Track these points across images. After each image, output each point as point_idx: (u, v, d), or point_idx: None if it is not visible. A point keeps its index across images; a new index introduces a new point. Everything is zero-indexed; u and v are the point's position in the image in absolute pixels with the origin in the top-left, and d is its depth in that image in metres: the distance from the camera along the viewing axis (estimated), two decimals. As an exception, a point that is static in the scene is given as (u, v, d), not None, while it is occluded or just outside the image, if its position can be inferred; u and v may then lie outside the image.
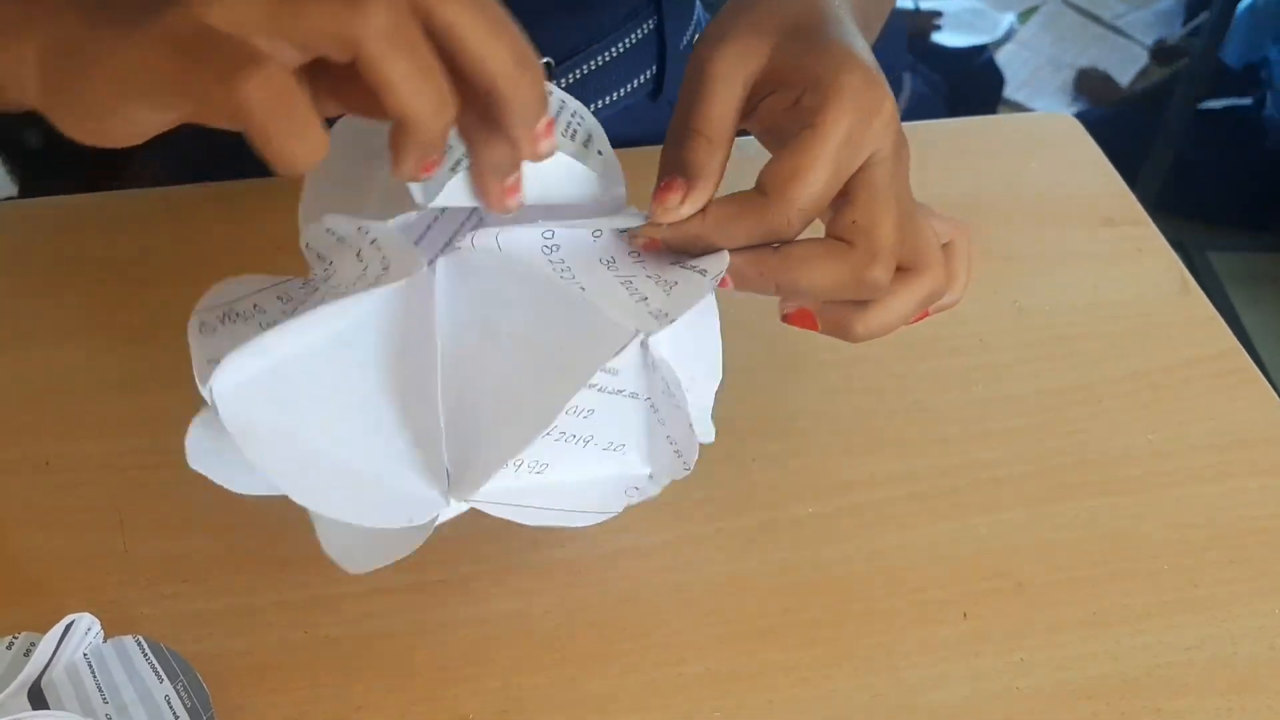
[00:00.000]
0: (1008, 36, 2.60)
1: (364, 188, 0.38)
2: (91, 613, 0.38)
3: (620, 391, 0.37)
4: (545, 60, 0.58)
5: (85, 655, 0.38)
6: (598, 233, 0.36)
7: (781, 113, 0.36)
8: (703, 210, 0.36)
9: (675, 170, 0.36)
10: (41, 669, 0.37)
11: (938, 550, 0.44)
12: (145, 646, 0.39)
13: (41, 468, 0.45)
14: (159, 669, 0.38)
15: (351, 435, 0.36)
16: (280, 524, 0.44)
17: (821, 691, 0.40)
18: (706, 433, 0.41)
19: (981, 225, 0.57)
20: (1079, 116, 2.09)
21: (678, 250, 0.37)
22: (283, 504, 0.44)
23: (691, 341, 0.38)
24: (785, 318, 0.39)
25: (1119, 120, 2.20)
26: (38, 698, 0.37)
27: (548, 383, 0.35)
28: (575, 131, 0.37)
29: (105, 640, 0.39)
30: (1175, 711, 0.39)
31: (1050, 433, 0.48)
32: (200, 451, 0.36)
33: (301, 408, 0.35)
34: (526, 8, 0.59)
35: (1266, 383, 0.50)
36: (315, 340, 0.34)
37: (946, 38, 2.35)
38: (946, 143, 0.62)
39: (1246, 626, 0.42)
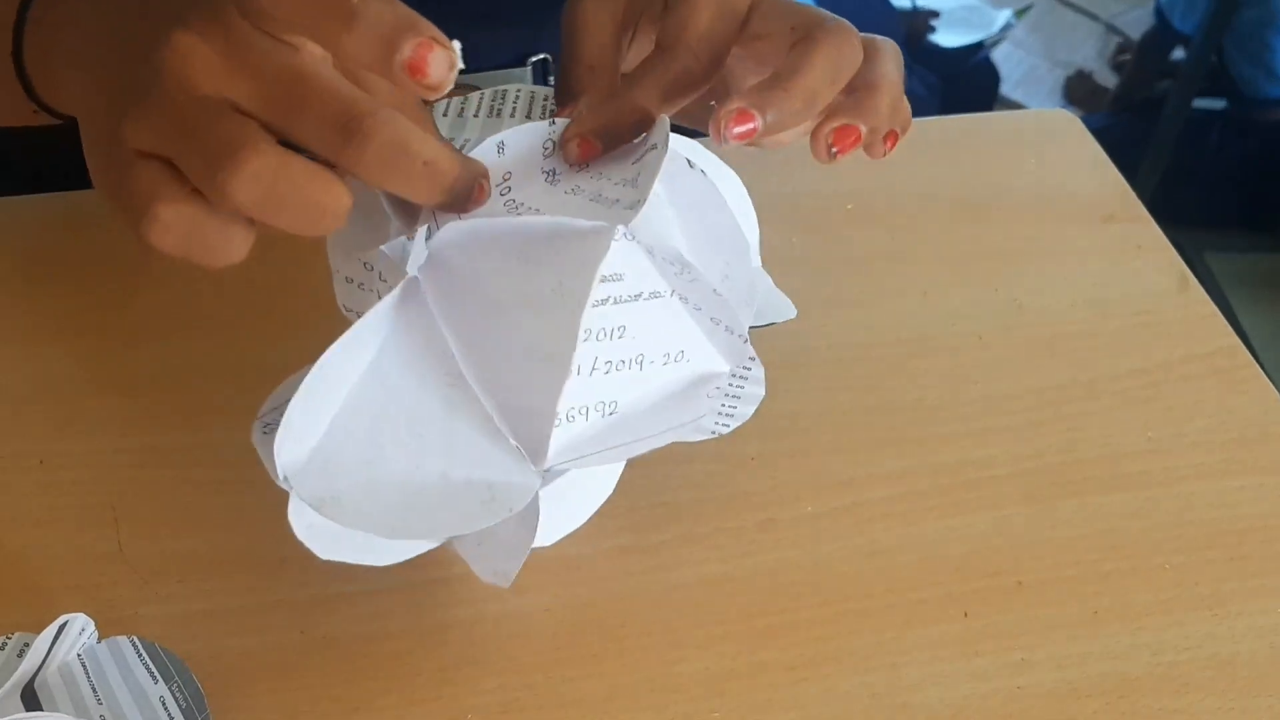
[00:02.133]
0: (1004, 33, 2.60)
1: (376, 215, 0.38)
2: (86, 613, 0.38)
3: (638, 295, 0.35)
4: (542, 56, 0.58)
5: (79, 656, 0.38)
6: (547, 146, 0.36)
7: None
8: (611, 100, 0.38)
9: (567, 98, 0.39)
10: (35, 670, 0.37)
11: (937, 548, 0.44)
12: (140, 647, 0.38)
13: (35, 467, 0.45)
14: (154, 670, 0.38)
15: (423, 455, 0.36)
16: (277, 523, 0.43)
17: (820, 690, 0.39)
18: (785, 308, 0.42)
19: (981, 222, 0.57)
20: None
21: (612, 136, 0.37)
22: (278, 500, 0.44)
23: (704, 233, 0.37)
24: (833, 140, 0.38)
25: (1113, 124, 2.20)
26: (31, 699, 0.37)
27: (557, 323, 0.34)
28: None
29: (100, 641, 0.38)
30: (1175, 710, 0.39)
31: (1050, 430, 0.48)
32: (325, 543, 0.36)
33: (368, 453, 0.35)
34: (535, 6, 0.59)
35: (1266, 379, 0.50)
36: (349, 386, 0.35)
37: (942, 37, 2.35)
38: (945, 140, 0.62)
39: (1247, 625, 0.42)
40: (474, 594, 0.42)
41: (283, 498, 0.44)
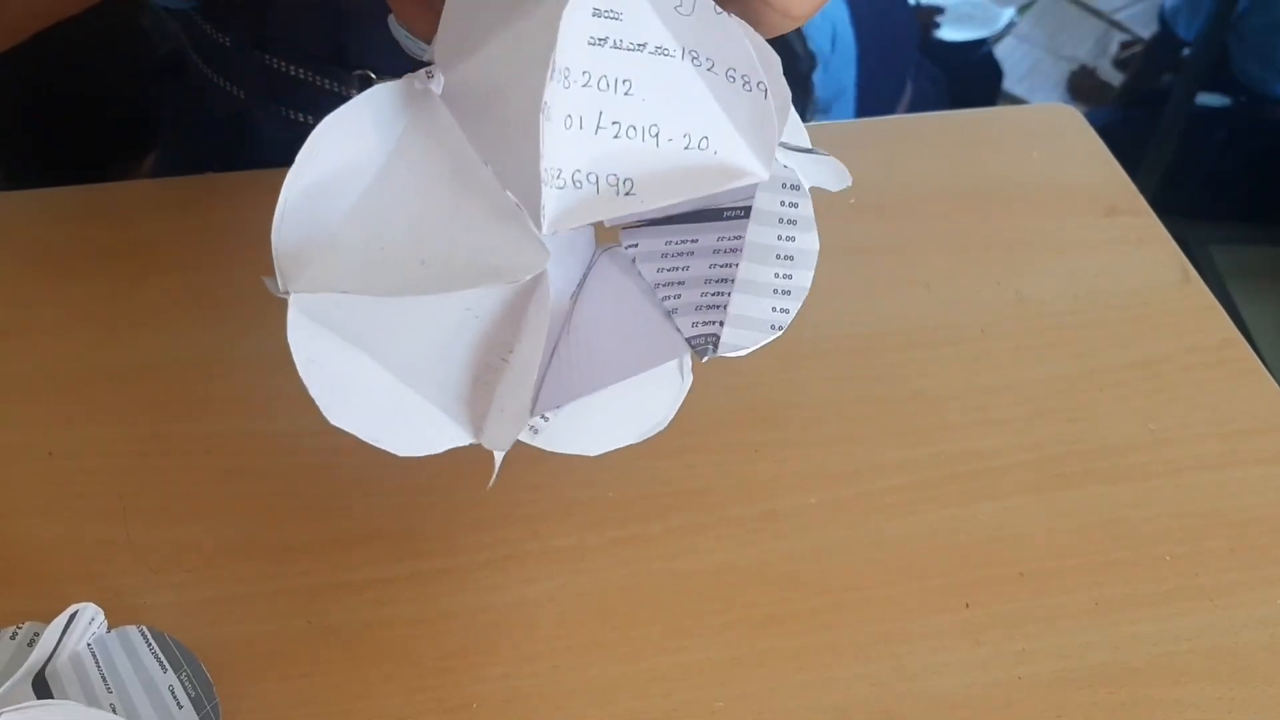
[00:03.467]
0: (1007, 30, 2.60)
1: None
2: (95, 602, 0.38)
3: (642, 46, 0.31)
4: None
5: (89, 645, 0.38)
6: None
7: None
8: None
9: None
10: (45, 659, 0.37)
11: (939, 539, 0.44)
12: (149, 636, 0.39)
13: (44, 457, 0.45)
14: (163, 659, 0.38)
15: (427, 239, 0.33)
16: (283, 511, 0.44)
17: (823, 679, 0.40)
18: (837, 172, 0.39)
19: (984, 215, 0.57)
20: (1078, 111, 2.06)
21: None
22: (284, 489, 0.44)
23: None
24: None
25: (1118, 119, 2.20)
26: (42, 688, 0.37)
27: (545, 51, 0.30)
28: None
29: (109, 630, 0.39)
30: (1176, 700, 0.39)
31: (1052, 421, 0.48)
32: (333, 401, 0.35)
33: (371, 246, 0.33)
34: None
35: (1266, 372, 0.50)
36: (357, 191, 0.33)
37: (947, 32, 2.34)
38: (948, 134, 0.62)
39: (1248, 615, 0.42)
40: (478, 583, 0.42)
41: (288, 487, 0.45)
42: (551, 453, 0.39)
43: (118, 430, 0.46)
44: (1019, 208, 0.58)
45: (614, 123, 0.31)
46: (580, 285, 0.39)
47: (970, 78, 2.33)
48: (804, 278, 0.37)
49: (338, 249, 0.32)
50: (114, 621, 0.39)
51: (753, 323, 0.37)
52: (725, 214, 0.38)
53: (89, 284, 0.52)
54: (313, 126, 0.31)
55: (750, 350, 0.36)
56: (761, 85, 0.32)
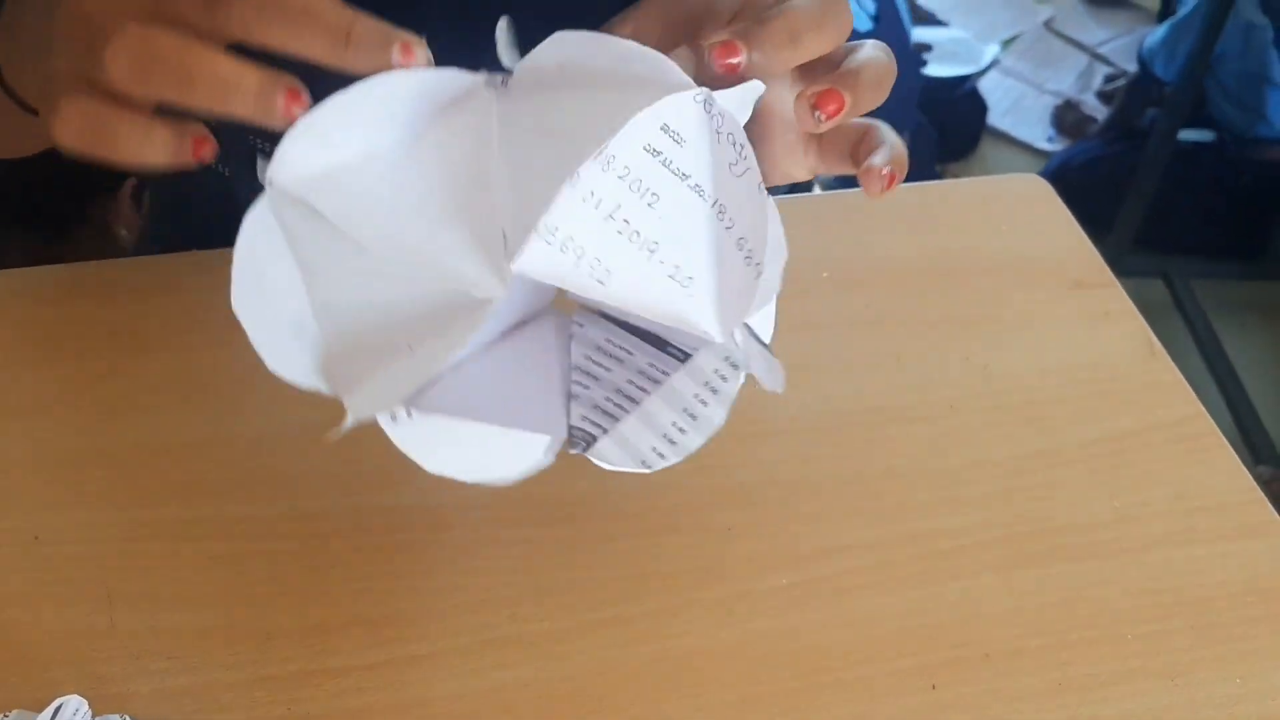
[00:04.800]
0: (991, 65, 2.63)
1: None
2: (79, 688, 0.39)
3: (686, 177, 0.34)
4: None
5: (73, 736, 0.39)
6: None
7: None
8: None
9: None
10: (30, 751, 0.38)
11: (908, 619, 0.45)
12: (131, 726, 0.40)
13: (30, 541, 0.46)
14: (145, 747, 0.39)
15: (409, 228, 0.35)
16: (264, 597, 0.45)
17: (793, 764, 0.41)
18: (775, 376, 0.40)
19: (953, 289, 0.59)
20: (1062, 153, 2.12)
21: None
22: (265, 575, 0.45)
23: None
24: (815, 102, 0.37)
25: (1101, 153, 2.23)
26: (26, 778, 0.38)
27: (596, 133, 0.32)
28: None
29: (93, 719, 0.40)
30: (1137, 781, 0.40)
31: (1019, 498, 0.50)
32: (246, 288, 0.37)
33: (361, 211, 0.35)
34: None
35: (1229, 447, 0.52)
36: (380, 142, 0.35)
37: (934, 70, 2.37)
38: (919, 207, 0.63)
39: (1208, 694, 0.43)
40: (456, 669, 0.43)
41: (270, 573, 0.46)
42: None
43: (103, 514, 0.47)
44: (988, 281, 0.59)
45: (625, 221, 0.33)
46: (516, 326, 0.41)
47: (956, 113, 2.35)
48: (694, 441, 0.39)
49: (344, 176, 0.34)
50: (98, 709, 0.40)
51: (630, 448, 0.39)
52: (668, 348, 0.40)
53: (74, 365, 0.53)
54: None
55: (610, 468, 0.39)
56: (759, 266, 0.35)
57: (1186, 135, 1.99)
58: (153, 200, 0.70)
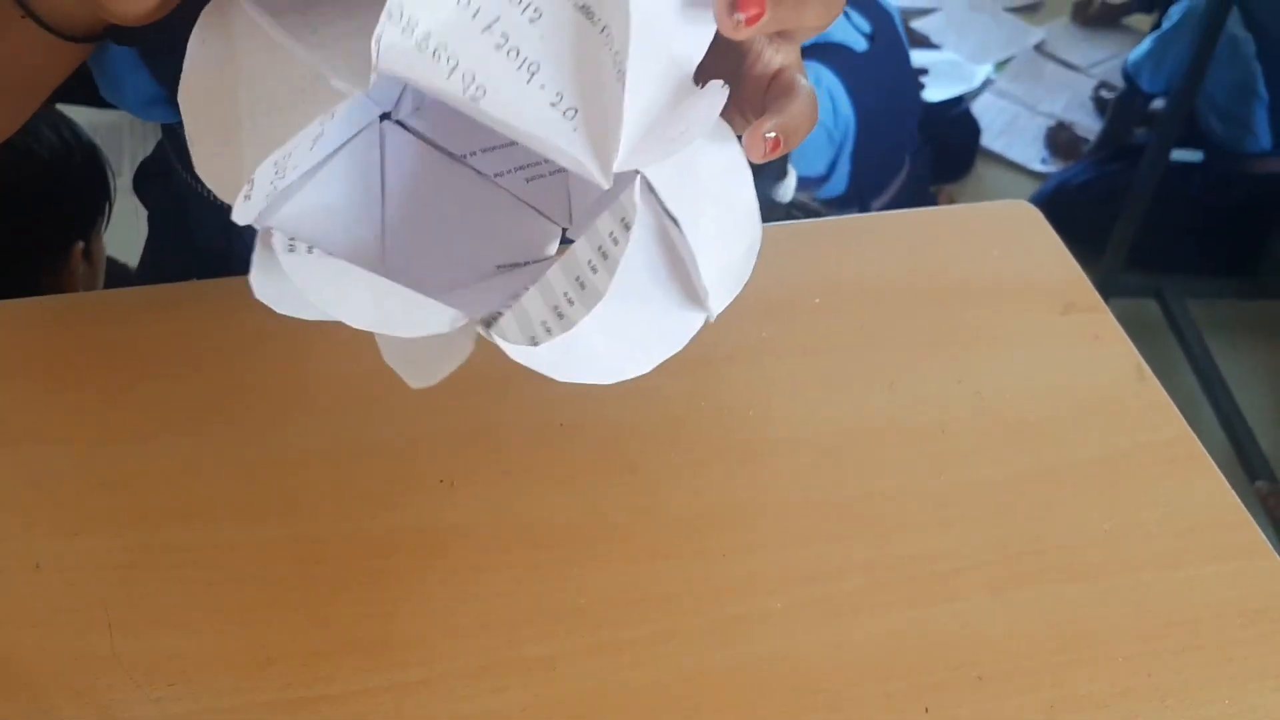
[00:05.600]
0: (985, 86, 2.64)
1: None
2: (80, 715, 0.40)
3: (585, 9, 0.32)
4: None
5: (74, 762, 0.39)
6: None
7: None
8: None
9: None
10: (31, 778, 0.38)
11: (901, 640, 0.46)
12: (132, 752, 0.40)
13: (31, 569, 0.47)
14: (145, 773, 0.39)
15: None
16: (264, 622, 0.45)
17: (788, 786, 0.41)
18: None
19: (945, 313, 0.59)
20: (1059, 174, 2.14)
21: None
22: (265, 600, 0.46)
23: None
24: (737, 4, 0.35)
25: (1094, 174, 2.24)
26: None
27: None
28: None
29: (93, 746, 0.40)
30: (1129, 801, 0.41)
31: (1010, 519, 0.50)
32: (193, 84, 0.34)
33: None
34: None
35: (1216, 468, 0.52)
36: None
37: (931, 93, 2.39)
38: (911, 232, 0.64)
39: (1199, 714, 0.44)
40: (453, 693, 0.43)
41: (269, 598, 0.46)
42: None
43: (103, 541, 0.48)
44: (979, 305, 0.60)
45: (504, 35, 0.31)
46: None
47: (950, 135, 2.37)
48: (579, 313, 0.35)
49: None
50: (99, 736, 0.40)
51: (525, 322, 0.36)
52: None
53: (74, 393, 0.53)
54: None
55: (505, 346, 0.36)
56: (623, 84, 0.32)
57: (1178, 155, 2.01)
58: (151, 228, 0.71)
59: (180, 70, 0.35)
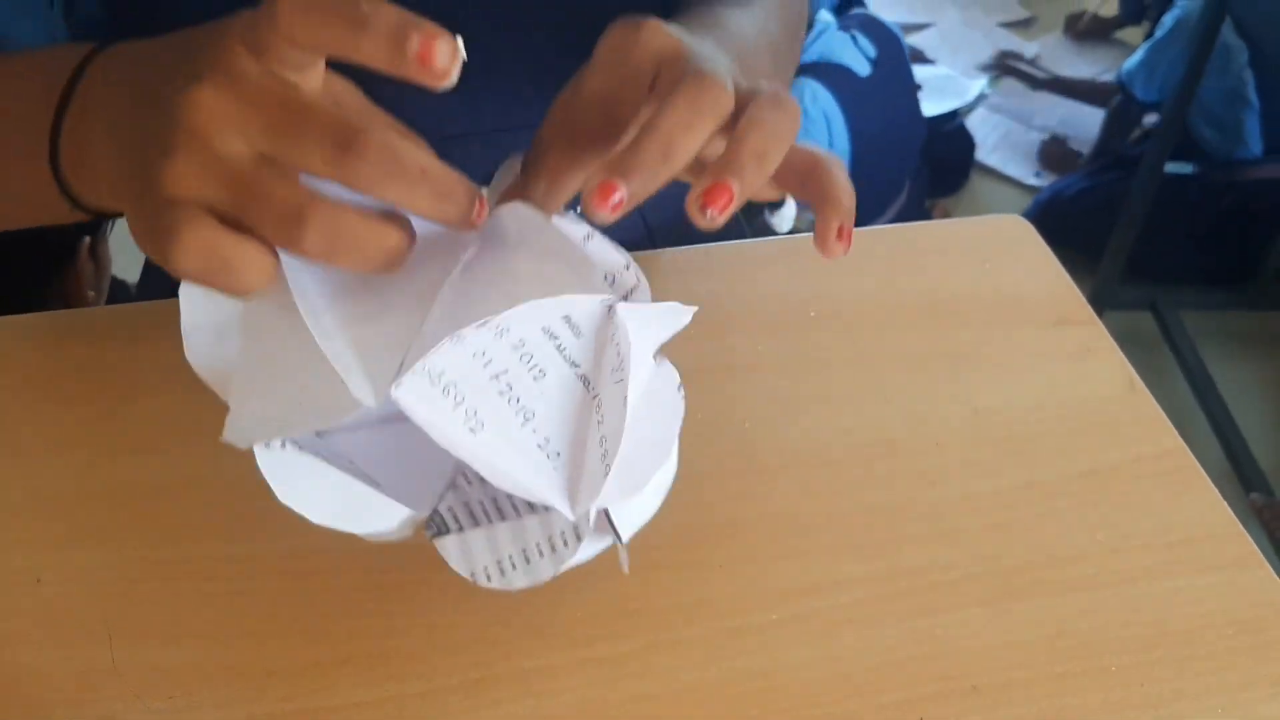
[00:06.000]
0: (979, 101, 2.66)
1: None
2: (81, 729, 0.40)
3: (575, 366, 0.37)
4: None
5: (74, 775, 0.40)
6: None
7: None
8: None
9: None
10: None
11: (896, 652, 0.46)
12: (132, 765, 0.40)
13: (32, 583, 0.47)
14: (145, 786, 0.40)
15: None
16: (264, 634, 0.46)
17: (784, 797, 0.41)
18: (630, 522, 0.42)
19: (938, 327, 0.60)
20: (1053, 184, 2.15)
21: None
22: (265, 612, 0.46)
23: (648, 415, 0.39)
24: (703, 202, 0.37)
25: (1088, 186, 2.25)
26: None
27: (505, 296, 0.36)
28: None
29: (94, 759, 0.40)
30: (1122, 811, 0.41)
31: (1005, 532, 0.50)
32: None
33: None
34: (508, 127, 0.62)
35: (1208, 480, 0.53)
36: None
37: (927, 108, 2.40)
38: (904, 247, 0.65)
39: (1191, 725, 0.44)
40: (449, 707, 0.43)
41: (269, 610, 0.47)
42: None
43: (103, 555, 0.48)
44: (972, 319, 0.60)
45: (509, 385, 0.36)
46: None
47: (945, 149, 2.38)
48: (519, 580, 0.40)
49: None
50: (99, 749, 0.41)
51: (469, 558, 0.42)
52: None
53: (75, 407, 0.54)
54: None
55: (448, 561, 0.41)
56: (609, 468, 0.36)
57: (1169, 167, 2.02)
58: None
59: None
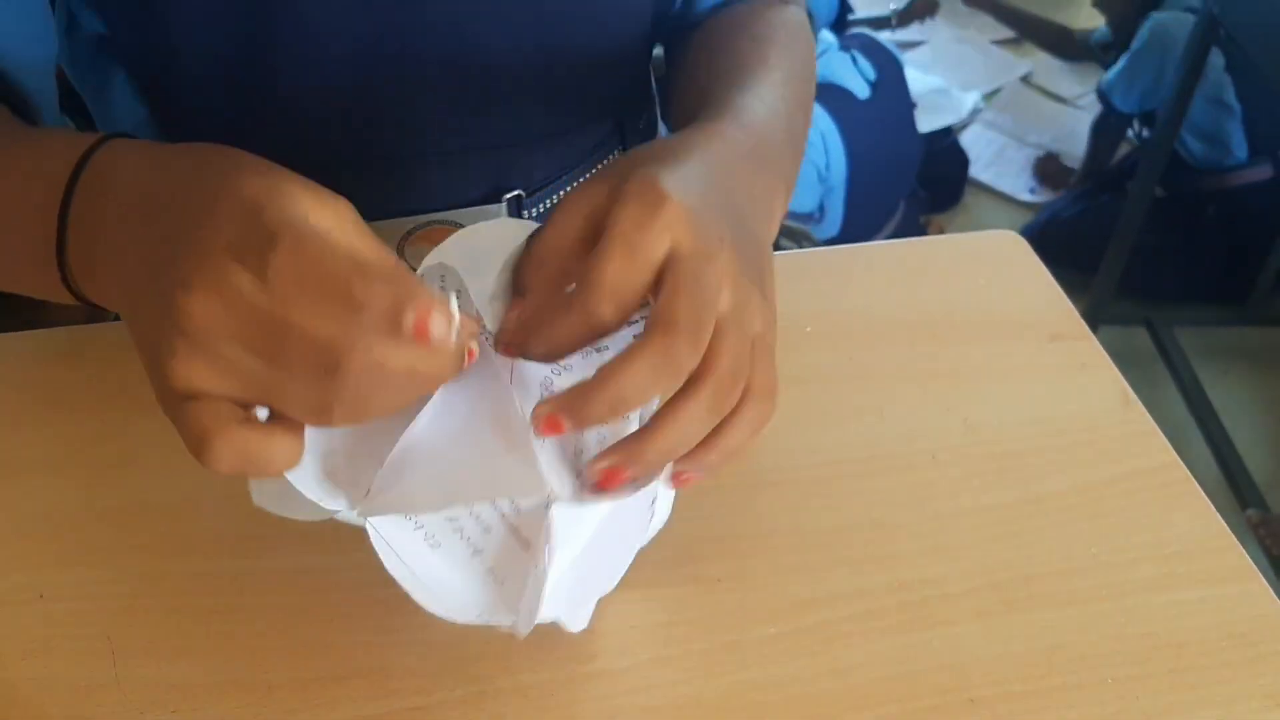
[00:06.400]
0: (973, 117, 2.67)
1: None
2: (84, 744, 0.40)
3: (516, 531, 0.41)
4: (516, 193, 0.61)
5: (78, 790, 0.40)
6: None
7: None
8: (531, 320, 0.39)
9: (513, 290, 0.41)
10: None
11: (894, 666, 0.46)
12: (135, 780, 0.40)
13: (35, 599, 0.47)
14: (148, 801, 0.40)
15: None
16: (265, 649, 0.46)
17: (783, 810, 0.42)
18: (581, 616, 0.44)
19: (933, 342, 0.60)
20: (1051, 204, 2.15)
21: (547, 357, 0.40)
22: (266, 627, 0.46)
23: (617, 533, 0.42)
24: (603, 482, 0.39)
25: (1081, 206, 2.27)
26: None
27: (473, 473, 0.40)
28: None
29: (97, 773, 0.41)
30: (1119, 823, 0.41)
31: (1000, 546, 0.51)
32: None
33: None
34: (507, 142, 0.62)
35: (1203, 494, 0.53)
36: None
37: (922, 125, 2.41)
38: (899, 263, 0.65)
39: (1185, 737, 0.44)
40: (452, 719, 0.44)
41: (270, 625, 0.47)
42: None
43: (106, 571, 0.48)
44: (967, 335, 0.61)
45: (461, 529, 0.41)
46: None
47: (940, 166, 2.40)
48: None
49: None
50: (102, 764, 0.41)
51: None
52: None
53: (78, 426, 0.54)
54: None
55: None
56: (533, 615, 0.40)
57: (1160, 190, 2.04)
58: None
59: None
